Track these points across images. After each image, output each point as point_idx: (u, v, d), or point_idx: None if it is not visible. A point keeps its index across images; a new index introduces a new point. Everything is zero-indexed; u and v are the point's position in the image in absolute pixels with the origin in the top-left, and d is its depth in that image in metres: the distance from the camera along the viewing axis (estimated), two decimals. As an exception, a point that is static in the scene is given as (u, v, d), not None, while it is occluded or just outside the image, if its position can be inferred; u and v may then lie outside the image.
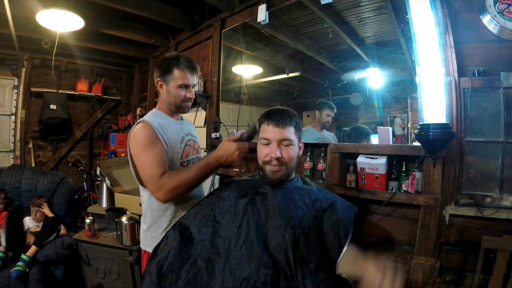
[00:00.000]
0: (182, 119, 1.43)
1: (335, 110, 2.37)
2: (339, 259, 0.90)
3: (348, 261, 0.88)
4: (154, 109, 1.34)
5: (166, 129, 1.24)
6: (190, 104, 1.34)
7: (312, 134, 2.24)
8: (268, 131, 1.01)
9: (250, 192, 1.02)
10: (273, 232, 0.91)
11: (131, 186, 2.41)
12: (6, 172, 2.59)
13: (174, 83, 1.26)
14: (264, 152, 1.02)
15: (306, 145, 1.87)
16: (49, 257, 2.06)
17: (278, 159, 0.99)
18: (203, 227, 0.98)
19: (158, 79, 1.29)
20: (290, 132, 1.01)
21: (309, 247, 0.89)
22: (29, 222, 2.39)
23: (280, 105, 1.08)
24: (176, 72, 1.25)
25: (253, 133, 1.16)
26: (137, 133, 1.18)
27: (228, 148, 1.10)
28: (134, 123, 4.00)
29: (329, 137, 2.33)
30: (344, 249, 0.91)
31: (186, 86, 1.28)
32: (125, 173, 2.59)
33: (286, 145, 1.01)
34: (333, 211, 0.99)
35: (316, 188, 1.09)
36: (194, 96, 1.33)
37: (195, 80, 1.32)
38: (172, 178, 1.08)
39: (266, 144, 1.01)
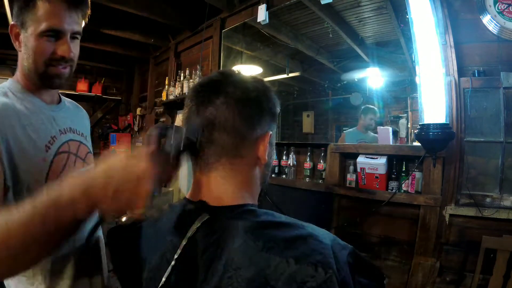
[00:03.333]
0: (60, 101, 0.83)
1: (378, 114, 2.62)
2: None
3: None
4: (8, 79, 0.76)
5: (18, 122, 0.67)
6: (66, 71, 0.74)
7: (355, 135, 2.47)
8: None
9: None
10: None
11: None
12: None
13: (34, 27, 0.68)
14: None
15: (306, 144, 1.88)
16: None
17: None
18: None
19: (13, 23, 0.73)
20: None
21: None
22: None
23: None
24: (40, 6, 0.67)
25: (180, 147, 0.48)
26: None
27: (121, 171, 0.43)
28: (134, 124, 3.93)
29: (370, 139, 2.54)
30: None
31: (56, 34, 0.69)
32: (125, 173, 2.59)
33: None
34: None
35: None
36: (75, 53, 0.74)
37: (79, 23, 0.74)
38: None
39: None
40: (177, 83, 2.82)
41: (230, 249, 0.44)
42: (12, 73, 0.77)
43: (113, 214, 0.46)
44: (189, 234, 0.48)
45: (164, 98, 2.98)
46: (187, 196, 0.56)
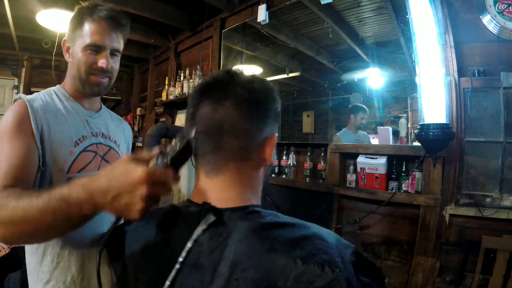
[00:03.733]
0: (100, 109, 0.95)
1: (368, 112, 2.54)
2: None
3: None
4: (57, 85, 0.90)
5: (55, 118, 0.79)
6: (105, 82, 0.86)
7: (349, 137, 2.39)
8: None
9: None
10: None
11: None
12: None
13: (81, 42, 0.81)
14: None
15: (306, 144, 1.88)
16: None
17: None
18: None
19: (65, 39, 0.87)
20: None
21: None
22: None
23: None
24: (87, 26, 0.81)
25: (185, 151, 0.49)
26: (3, 118, 0.76)
27: (124, 175, 0.45)
28: (134, 124, 3.92)
29: (364, 138, 2.50)
30: None
31: (98, 48, 0.81)
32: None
33: None
34: None
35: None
36: (114, 69, 0.86)
37: (117, 43, 0.85)
38: (8, 203, 0.55)
39: None
40: (177, 83, 2.82)
41: (237, 250, 0.44)
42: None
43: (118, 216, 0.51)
44: (194, 236, 0.46)
45: (164, 98, 2.98)
46: (190, 198, 0.55)
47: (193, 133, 0.49)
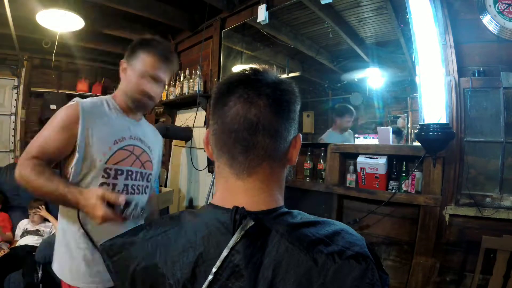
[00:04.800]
0: (141, 119, 1.13)
1: (355, 114, 2.40)
2: None
3: None
4: (109, 95, 1.08)
5: (101, 120, 0.98)
6: (150, 104, 1.06)
7: (334, 138, 2.28)
8: None
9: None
10: None
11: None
12: (4, 171, 2.59)
13: (137, 68, 1.00)
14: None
15: (306, 144, 1.88)
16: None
17: None
18: None
19: (123, 60, 1.04)
20: None
21: None
22: (26, 224, 2.40)
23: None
24: (142, 56, 1.00)
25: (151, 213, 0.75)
26: (59, 110, 0.96)
27: (87, 203, 0.81)
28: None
29: (350, 137, 2.37)
30: None
31: (151, 78, 1.01)
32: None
33: None
34: None
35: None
36: (158, 95, 1.06)
37: (165, 76, 1.04)
38: (32, 172, 0.86)
39: None
40: (177, 83, 2.82)
41: (277, 253, 0.44)
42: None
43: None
44: (231, 243, 0.44)
45: (164, 98, 2.98)
46: (215, 203, 0.52)
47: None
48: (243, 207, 0.47)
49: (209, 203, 0.53)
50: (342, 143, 2.23)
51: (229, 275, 0.44)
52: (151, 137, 1.13)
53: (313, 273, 0.42)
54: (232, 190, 0.50)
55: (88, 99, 1.01)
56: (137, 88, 1.00)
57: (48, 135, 0.92)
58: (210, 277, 0.43)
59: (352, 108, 2.44)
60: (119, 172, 0.98)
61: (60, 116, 0.94)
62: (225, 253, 0.44)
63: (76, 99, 0.98)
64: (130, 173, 1.01)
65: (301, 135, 0.54)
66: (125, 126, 1.03)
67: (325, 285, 0.41)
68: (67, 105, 0.96)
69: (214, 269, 0.43)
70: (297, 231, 0.46)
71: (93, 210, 0.78)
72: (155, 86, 1.02)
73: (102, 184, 0.95)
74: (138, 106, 1.04)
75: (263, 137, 0.48)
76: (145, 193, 1.09)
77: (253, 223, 0.45)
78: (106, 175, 0.96)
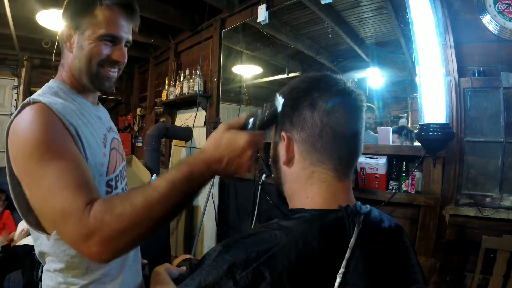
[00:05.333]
0: (98, 103, 0.86)
1: (376, 112, 2.55)
2: None
3: None
4: (51, 80, 0.76)
5: (79, 120, 0.69)
6: (115, 75, 0.78)
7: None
8: None
9: None
10: None
11: (131, 186, 2.40)
12: (5, 170, 2.58)
13: (92, 31, 0.70)
14: None
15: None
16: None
17: None
18: None
19: (66, 24, 0.73)
20: None
21: None
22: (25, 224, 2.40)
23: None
24: (99, 12, 0.70)
25: (271, 118, 0.57)
26: (24, 126, 0.60)
27: (231, 143, 0.55)
28: (134, 124, 3.89)
29: (369, 139, 2.36)
30: None
31: (113, 39, 0.73)
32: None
33: None
34: None
35: None
36: (125, 60, 0.77)
37: (130, 33, 0.79)
38: (116, 209, 0.52)
39: None
40: (177, 83, 2.82)
41: (404, 248, 0.53)
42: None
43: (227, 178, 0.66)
44: (351, 243, 0.44)
45: (164, 98, 2.98)
46: (316, 207, 0.51)
47: (280, 104, 0.54)
48: (350, 206, 0.50)
49: (310, 208, 0.51)
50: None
51: (357, 275, 0.43)
52: (109, 118, 0.90)
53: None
54: (332, 192, 0.53)
55: (51, 97, 0.68)
56: (98, 56, 0.72)
57: (66, 167, 0.57)
58: (338, 279, 0.42)
59: (374, 107, 2.58)
60: (117, 178, 0.79)
61: (38, 131, 0.59)
62: (347, 254, 0.44)
63: (34, 98, 0.64)
64: (122, 174, 0.83)
65: None
66: (97, 118, 0.78)
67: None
68: (29, 115, 0.61)
69: (342, 270, 0.43)
70: (396, 225, 0.59)
71: (244, 157, 0.55)
72: (121, 49, 0.75)
73: None
74: (102, 81, 0.76)
75: (360, 143, 0.55)
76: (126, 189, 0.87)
77: (362, 220, 0.48)
78: (109, 189, 0.75)
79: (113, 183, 0.77)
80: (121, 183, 0.82)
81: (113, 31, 0.72)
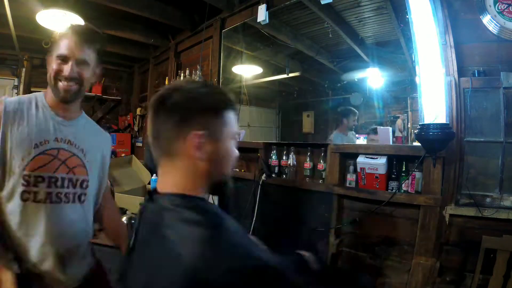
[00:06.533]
0: (75, 119, 1.04)
1: (358, 114, 2.75)
2: None
3: None
4: (41, 92, 1.03)
5: (20, 121, 0.92)
6: (74, 88, 0.96)
7: (341, 139, 2.57)
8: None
9: None
10: None
11: (131, 186, 2.41)
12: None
13: (53, 53, 0.95)
14: None
15: (306, 144, 1.88)
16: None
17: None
18: None
19: (48, 55, 0.99)
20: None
21: None
22: None
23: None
24: (60, 39, 0.95)
25: None
26: None
27: None
28: (134, 124, 3.92)
29: (353, 138, 2.68)
30: None
31: (63, 58, 0.93)
32: (125, 173, 2.59)
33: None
34: None
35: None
36: (82, 74, 0.96)
37: (86, 54, 0.96)
38: None
39: None
40: (177, 83, 2.81)
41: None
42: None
43: None
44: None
45: (164, 98, 2.98)
46: None
47: None
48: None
49: None
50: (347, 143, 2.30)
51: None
52: (88, 138, 1.04)
53: None
54: None
55: (16, 98, 0.95)
56: (53, 71, 0.93)
57: None
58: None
59: (355, 109, 2.76)
60: (39, 179, 0.91)
61: None
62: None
63: (2, 98, 0.93)
64: (53, 180, 0.93)
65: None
66: (50, 127, 0.95)
67: None
68: None
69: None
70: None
71: None
72: (69, 65, 0.93)
73: (23, 193, 0.89)
74: (59, 93, 0.95)
75: None
76: (80, 201, 1.00)
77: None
78: (25, 183, 0.90)
79: (31, 179, 0.90)
80: (48, 187, 0.93)
81: (62, 52, 0.93)
